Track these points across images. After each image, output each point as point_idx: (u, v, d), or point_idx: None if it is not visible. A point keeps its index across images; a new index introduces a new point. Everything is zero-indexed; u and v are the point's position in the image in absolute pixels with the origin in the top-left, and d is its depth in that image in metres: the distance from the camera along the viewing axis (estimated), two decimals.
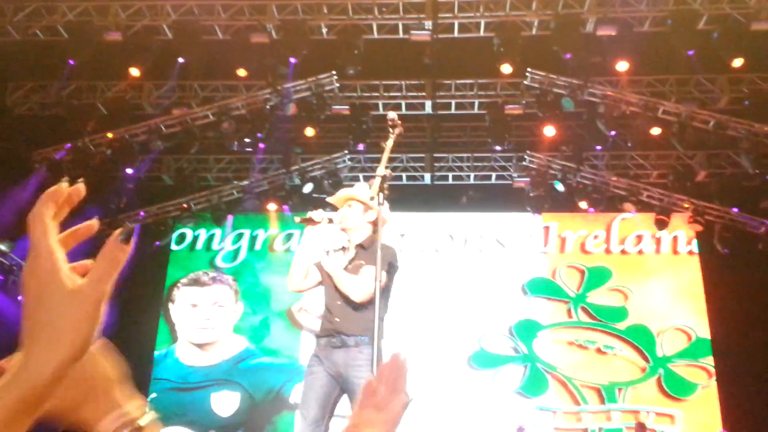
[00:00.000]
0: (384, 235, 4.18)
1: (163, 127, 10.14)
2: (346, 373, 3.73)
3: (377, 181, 3.32)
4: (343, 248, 4.06)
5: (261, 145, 10.60)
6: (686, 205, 10.96)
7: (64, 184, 0.75)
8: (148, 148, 10.20)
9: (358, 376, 3.64)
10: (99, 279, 0.71)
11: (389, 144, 3.52)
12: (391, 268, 3.83)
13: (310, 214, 3.88)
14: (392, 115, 3.60)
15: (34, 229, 0.70)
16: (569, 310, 11.34)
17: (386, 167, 3.41)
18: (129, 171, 10.55)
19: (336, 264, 3.90)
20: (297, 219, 4.05)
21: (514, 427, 9.80)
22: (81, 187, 0.77)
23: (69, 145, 10.05)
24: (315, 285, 4.05)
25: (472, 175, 12.09)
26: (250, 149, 10.80)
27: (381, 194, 3.33)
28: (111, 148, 10.07)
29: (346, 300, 3.83)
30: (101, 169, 10.19)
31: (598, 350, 10.94)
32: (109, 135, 10.01)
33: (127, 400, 0.83)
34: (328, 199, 4.19)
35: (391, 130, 3.58)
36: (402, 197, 11.25)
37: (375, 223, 3.99)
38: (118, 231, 0.72)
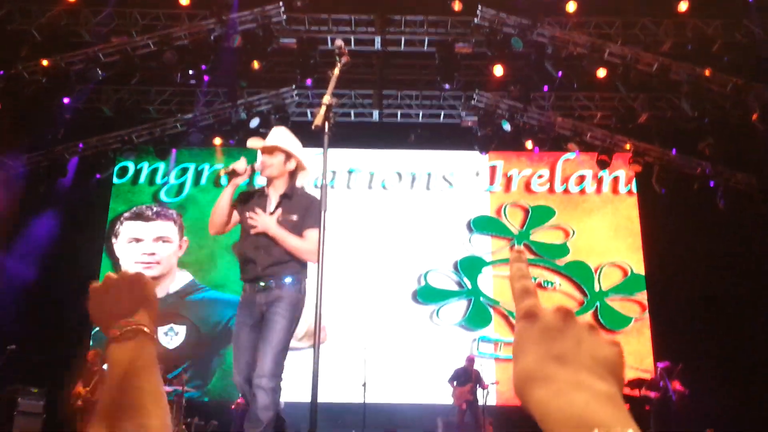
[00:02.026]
0: (306, 183, 4.20)
1: (101, 56, 9.74)
2: (266, 311, 3.82)
3: (322, 110, 3.28)
4: (266, 197, 4.04)
5: (205, 78, 10.31)
6: (627, 146, 11.24)
7: None
8: (85, 77, 9.80)
9: (275, 311, 3.78)
10: None
11: (336, 73, 3.47)
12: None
13: (233, 165, 3.87)
14: (339, 42, 3.53)
15: None
16: (512, 247, 11.61)
17: (332, 96, 3.37)
18: (66, 101, 10.14)
19: (274, 224, 3.86)
20: (221, 171, 4.03)
21: (460, 358, 10.11)
22: None
23: (1, 72, 9.57)
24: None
25: (420, 113, 12.08)
26: (193, 82, 10.50)
27: (327, 123, 3.30)
28: (46, 76, 9.64)
29: (267, 249, 3.87)
30: (36, 98, 9.76)
31: (539, 285, 11.30)
32: (44, 63, 9.56)
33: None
34: (250, 145, 4.09)
35: (338, 58, 3.52)
36: (350, 134, 11.21)
37: (295, 172, 4.06)
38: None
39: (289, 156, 3.98)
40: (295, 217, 3.91)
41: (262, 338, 3.76)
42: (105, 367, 1.09)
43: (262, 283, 3.87)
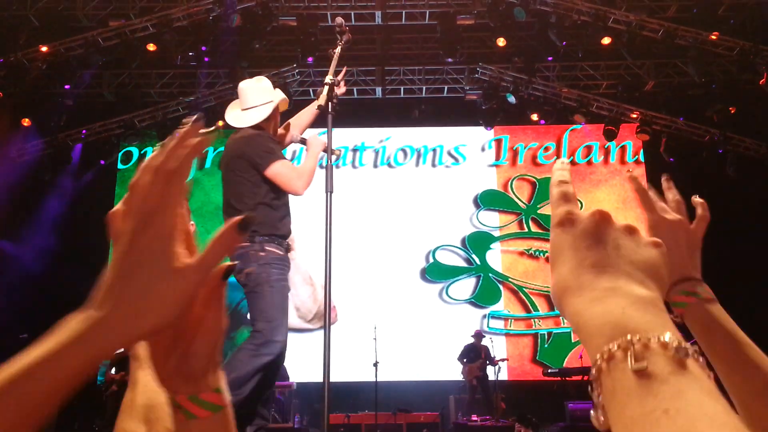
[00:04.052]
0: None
1: (100, 40, 9.64)
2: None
3: (325, 90, 3.22)
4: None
5: (206, 59, 10.21)
6: (634, 115, 11.11)
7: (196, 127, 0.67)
8: (86, 62, 9.71)
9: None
10: (207, 264, 0.63)
11: (337, 51, 3.40)
12: None
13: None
14: (339, 20, 3.46)
15: (155, 187, 0.63)
16: (520, 222, 11.57)
17: (334, 75, 3.30)
18: (67, 87, 10.08)
19: None
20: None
21: (469, 333, 10.12)
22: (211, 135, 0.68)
23: (1, 60, 9.50)
24: None
25: (424, 88, 11.95)
26: (194, 63, 10.40)
27: (330, 103, 3.24)
28: (46, 62, 9.56)
29: None
30: (37, 85, 9.70)
31: (548, 259, 11.24)
32: (44, 49, 9.48)
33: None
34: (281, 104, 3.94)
35: (339, 36, 3.45)
36: (354, 112, 11.11)
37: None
38: (236, 219, 0.63)
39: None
40: None
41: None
42: None
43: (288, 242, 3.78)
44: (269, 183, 3.61)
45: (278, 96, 3.82)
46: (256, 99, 3.77)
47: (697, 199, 1.08)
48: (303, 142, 3.80)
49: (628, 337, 0.48)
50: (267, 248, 3.54)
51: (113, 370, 7.94)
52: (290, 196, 3.73)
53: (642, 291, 0.53)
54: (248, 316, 3.68)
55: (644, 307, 0.52)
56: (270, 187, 3.62)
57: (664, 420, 0.43)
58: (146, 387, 1.19)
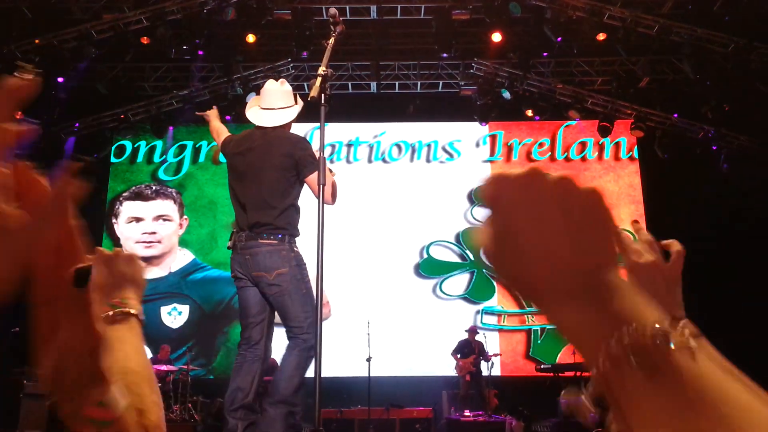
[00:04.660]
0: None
1: (94, 33, 9.58)
2: None
3: (318, 81, 3.20)
4: None
5: (200, 53, 10.16)
6: (629, 112, 11.11)
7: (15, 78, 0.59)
8: (79, 55, 9.65)
9: None
10: (42, 219, 0.56)
11: (330, 42, 3.38)
12: None
13: None
14: (333, 11, 3.44)
15: None
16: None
17: (327, 67, 3.29)
18: (60, 80, 10.01)
19: None
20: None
21: (463, 329, 10.13)
22: (37, 79, 0.60)
23: None
24: None
25: (419, 83, 11.93)
26: (188, 57, 10.35)
27: (322, 95, 3.22)
28: (39, 55, 9.49)
29: None
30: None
31: None
32: (37, 41, 9.41)
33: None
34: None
35: (332, 27, 3.43)
36: (348, 106, 11.08)
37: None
38: (74, 166, 0.58)
39: None
40: None
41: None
42: None
43: None
44: (299, 186, 3.78)
45: (300, 103, 4.00)
46: (280, 101, 3.92)
47: (668, 243, 1.09)
48: None
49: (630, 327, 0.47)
50: (295, 249, 3.68)
51: None
52: None
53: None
54: (265, 314, 3.75)
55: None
56: (299, 190, 3.80)
57: (689, 411, 0.41)
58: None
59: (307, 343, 3.51)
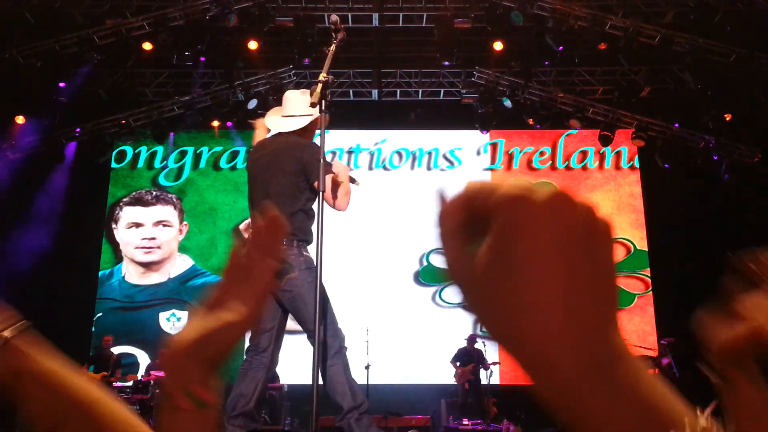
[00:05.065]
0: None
1: (96, 38, 9.59)
2: None
3: (318, 88, 3.19)
4: None
5: (201, 59, 10.17)
6: (630, 121, 11.12)
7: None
8: (80, 60, 9.66)
9: None
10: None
11: (332, 49, 3.38)
12: None
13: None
14: (334, 18, 3.44)
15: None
16: None
17: (328, 74, 3.28)
18: (62, 85, 10.02)
19: None
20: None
21: (463, 338, 10.09)
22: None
23: None
24: None
25: (420, 91, 11.94)
26: (190, 63, 10.36)
27: (323, 102, 3.22)
28: (41, 59, 9.50)
29: None
30: (32, 82, 9.64)
31: None
32: (38, 46, 9.43)
33: None
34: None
35: (333, 34, 3.43)
36: (349, 114, 11.10)
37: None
38: (273, 266, 0.63)
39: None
40: None
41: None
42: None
43: None
44: (309, 191, 3.76)
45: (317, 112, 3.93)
46: (298, 108, 3.94)
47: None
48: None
49: None
50: (305, 253, 3.69)
51: (90, 369, 7.91)
52: None
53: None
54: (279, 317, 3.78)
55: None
56: (309, 196, 3.78)
57: None
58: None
59: (343, 351, 3.68)
